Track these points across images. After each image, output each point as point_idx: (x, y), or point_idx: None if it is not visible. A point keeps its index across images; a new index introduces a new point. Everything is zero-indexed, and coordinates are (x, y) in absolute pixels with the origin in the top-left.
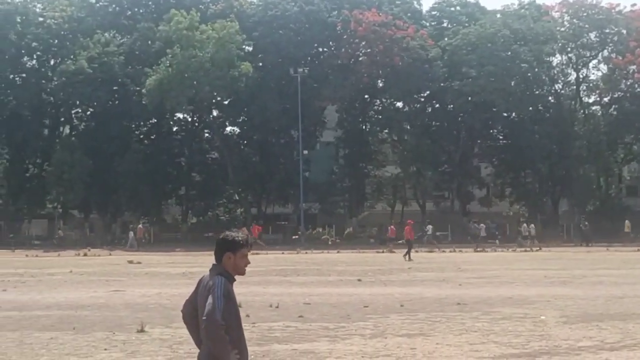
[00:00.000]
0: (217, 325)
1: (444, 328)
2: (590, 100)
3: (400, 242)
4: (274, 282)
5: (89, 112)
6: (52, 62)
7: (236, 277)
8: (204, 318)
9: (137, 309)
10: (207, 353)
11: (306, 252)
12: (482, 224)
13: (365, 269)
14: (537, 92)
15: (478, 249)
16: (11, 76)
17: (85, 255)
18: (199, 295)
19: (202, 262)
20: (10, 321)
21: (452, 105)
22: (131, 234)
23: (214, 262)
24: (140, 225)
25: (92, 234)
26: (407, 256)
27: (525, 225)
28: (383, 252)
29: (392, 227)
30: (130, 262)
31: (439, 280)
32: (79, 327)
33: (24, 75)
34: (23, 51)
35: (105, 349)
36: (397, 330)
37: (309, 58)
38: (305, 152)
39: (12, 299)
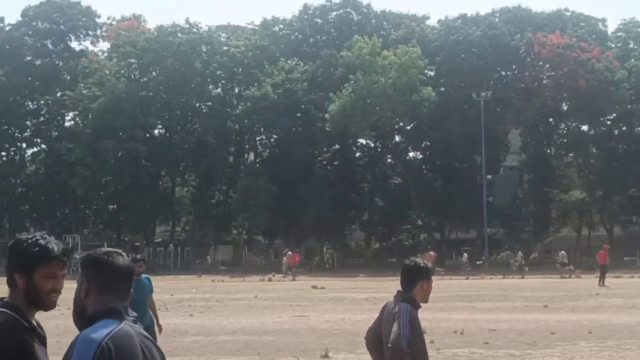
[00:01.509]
0: (402, 352)
1: (634, 356)
2: None
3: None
4: (458, 308)
5: (272, 139)
6: (236, 90)
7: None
8: (389, 345)
9: (321, 335)
10: None
11: (490, 278)
12: None
13: (552, 295)
14: None
15: None
16: (197, 104)
17: (269, 280)
18: (383, 322)
19: (386, 288)
20: (197, 346)
21: (639, 128)
22: (284, 259)
23: (399, 289)
24: (289, 252)
25: (276, 259)
26: (601, 281)
27: (561, 252)
28: (569, 277)
29: (431, 252)
30: (314, 287)
31: (628, 307)
32: (264, 352)
33: (209, 103)
34: (208, 79)
35: None
36: (585, 358)
37: (492, 82)
38: (489, 176)
39: (198, 324)
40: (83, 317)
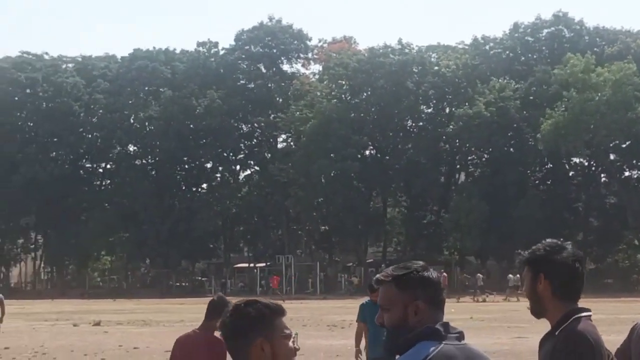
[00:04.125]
0: None
1: None
2: None
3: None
4: None
5: (484, 158)
6: (447, 110)
7: None
8: None
9: None
10: None
11: None
12: None
13: None
14: None
15: None
16: (409, 125)
17: (483, 301)
18: (632, 343)
19: (603, 309)
20: None
21: None
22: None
23: None
24: (479, 274)
25: (488, 280)
26: None
27: (479, 275)
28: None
29: (276, 277)
30: (529, 308)
31: None
32: None
33: (420, 123)
34: (420, 99)
35: None
36: None
37: None
38: None
39: None
40: (398, 341)
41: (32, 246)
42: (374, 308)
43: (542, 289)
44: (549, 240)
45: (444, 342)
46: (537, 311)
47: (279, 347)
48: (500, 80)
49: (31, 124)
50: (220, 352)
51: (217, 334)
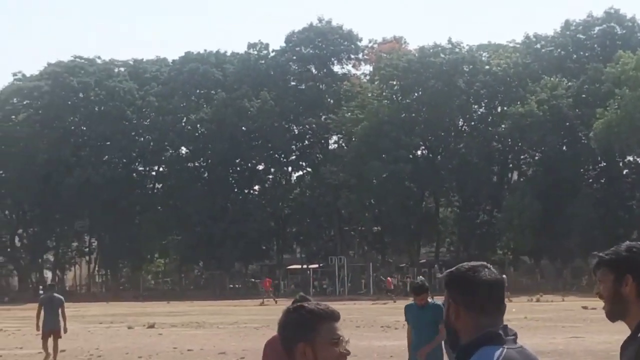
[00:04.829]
0: None
1: None
2: None
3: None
4: None
5: (537, 157)
6: (498, 109)
7: None
8: None
9: (598, 357)
10: None
11: None
12: None
13: None
14: None
15: None
16: (460, 124)
17: (537, 301)
18: None
19: None
20: None
21: None
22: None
23: None
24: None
25: (542, 279)
26: None
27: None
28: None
29: (268, 279)
30: (585, 307)
31: None
32: None
33: (472, 123)
34: (471, 99)
35: None
36: None
37: None
38: None
39: None
40: (457, 343)
41: (87, 249)
42: (416, 310)
43: (628, 291)
44: (627, 242)
45: (505, 346)
46: (617, 313)
47: (322, 351)
48: (552, 79)
49: (84, 128)
50: None
51: None
